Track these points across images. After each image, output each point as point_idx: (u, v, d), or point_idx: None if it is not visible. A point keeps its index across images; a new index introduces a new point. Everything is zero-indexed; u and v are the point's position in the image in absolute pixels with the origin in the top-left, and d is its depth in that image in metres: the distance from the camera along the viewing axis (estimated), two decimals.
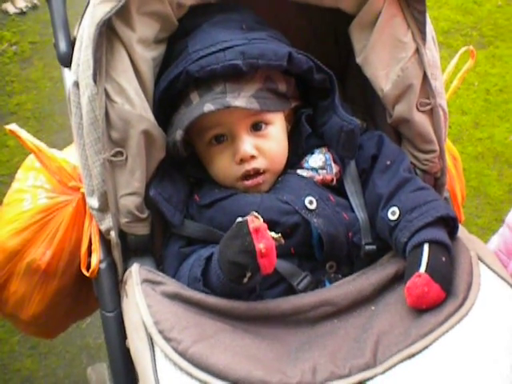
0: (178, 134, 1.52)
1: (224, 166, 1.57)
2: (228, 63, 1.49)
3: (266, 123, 1.57)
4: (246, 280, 1.38)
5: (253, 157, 1.55)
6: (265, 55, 1.51)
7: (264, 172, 1.57)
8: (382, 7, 1.61)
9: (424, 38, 1.62)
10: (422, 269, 1.37)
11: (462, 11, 4.18)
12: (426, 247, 1.41)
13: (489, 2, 4.25)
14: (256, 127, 1.57)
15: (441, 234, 1.44)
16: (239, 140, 1.55)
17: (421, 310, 1.37)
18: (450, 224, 1.48)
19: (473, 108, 3.59)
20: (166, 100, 1.57)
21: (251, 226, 1.35)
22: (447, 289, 1.38)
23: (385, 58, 1.62)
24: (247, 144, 1.54)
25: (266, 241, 1.34)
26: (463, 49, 1.84)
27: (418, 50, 1.62)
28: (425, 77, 1.62)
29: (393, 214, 1.50)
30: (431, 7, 4.11)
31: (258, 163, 1.56)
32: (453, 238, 1.47)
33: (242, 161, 1.55)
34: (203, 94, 1.51)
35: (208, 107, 1.49)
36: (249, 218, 1.37)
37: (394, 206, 1.51)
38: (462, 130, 3.48)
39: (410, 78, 1.61)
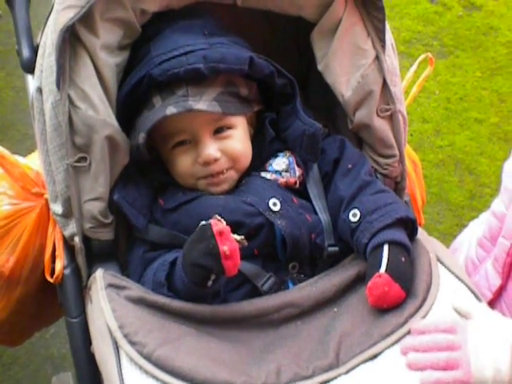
0: (141, 137, 1.53)
1: (186, 166, 1.58)
2: (190, 67, 1.50)
3: (229, 127, 1.59)
4: (210, 283, 1.40)
5: (216, 159, 1.56)
6: (226, 59, 1.53)
7: (228, 170, 1.59)
8: (342, 15, 1.64)
9: (383, 46, 1.65)
10: (383, 269, 1.40)
11: (424, 21, 4.24)
12: (385, 248, 1.43)
13: (449, 13, 4.31)
14: (219, 131, 1.58)
15: (400, 235, 1.47)
16: (203, 144, 1.56)
17: (382, 309, 1.39)
18: (409, 226, 1.51)
19: (434, 116, 3.65)
20: (130, 104, 1.57)
21: (215, 228, 1.36)
22: (407, 288, 1.40)
23: (345, 64, 1.65)
24: (211, 148, 1.56)
25: (229, 243, 1.36)
26: (422, 56, 1.88)
27: (377, 57, 1.65)
28: (384, 83, 1.65)
29: (354, 215, 1.52)
30: (393, 17, 4.16)
31: (222, 164, 1.58)
32: (412, 240, 1.50)
33: (206, 164, 1.56)
34: (166, 97, 1.53)
35: (170, 110, 1.50)
36: (212, 221, 1.38)
37: (355, 208, 1.53)
38: (424, 137, 3.53)
39: (370, 85, 1.64)
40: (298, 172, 1.63)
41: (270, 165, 1.64)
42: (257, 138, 1.66)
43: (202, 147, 1.56)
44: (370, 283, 1.39)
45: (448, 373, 1.26)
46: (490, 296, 1.71)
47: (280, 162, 1.64)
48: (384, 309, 1.39)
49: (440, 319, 1.36)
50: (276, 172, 1.62)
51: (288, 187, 1.62)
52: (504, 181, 1.72)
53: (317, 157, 1.64)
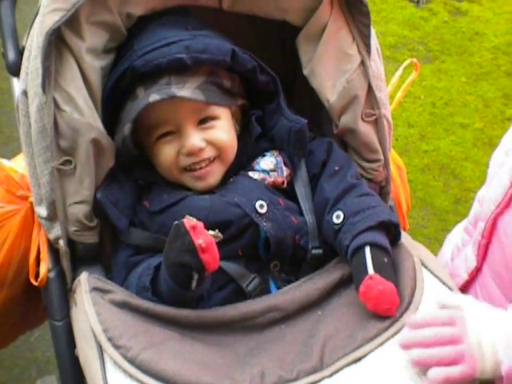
0: (127, 128, 1.53)
1: (171, 157, 1.58)
2: (172, 57, 1.51)
3: (213, 118, 1.59)
4: (194, 284, 1.39)
5: (201, 149, 1.57)
6: (208, 50, 1.53)
7: (214, 160, 1.59)
8: (328, 20, 1.65)
9: (369, 51, 1.66)
10: (371, 270, 1.40)
11: (409, 26, 4.27)
12: (367, 250, 1.44)
13: (435, 18, 4.34)
14: (202, 121, 1.58)
15: (381, 237, 1.47)
16: (187, 135, 1.56)
17: (382, 312, 1.38)
18: (391, 230, 1.52)
19: (419, 121, 3.67)
20: (113, 101, 1.57)
21: (187, 224, 1.36)
22: (397, 288, 1.40)
23: (331, 69, 1.66)
24: (195, 138, 1.56)
25: (204, 236, 1.36)
26: (407, 61, 1.89)
27: (363, 62, 1.66)
28: (369, 88, 1.66)
29: (337, 217, 1.53)
30: (379, 22, 4.19)
31: (207, 153, 1.58)
32: (395, 244, 1.51)
33: (190, 154, 1.57)
34: (149, 87, 1.53)
35: (153, 97, 1.50)
36: (185, 219, 1.38)
37: (339, 209, 1.54)
38: (409, 142, 3.55)
39: (355, 89, 1.65)
40: (286, 172, 1.64)
41: (258, 164, 1.64)
42: (243, 135, 1.66)
43: (185, 137, 1.56)
44: (362, 287, 1.39)
45: (455, 368, 1.26)
46: (466, 278, 1.73)
47: (268, 162, 1.64)
48: (384, 311, 1.38)
49: (436, 312, 1.36)
50: (264, 171, 1.63)
51: (275, 187, 1.62)
52: (490, 167, 1.75)
53: (305, 152, 1.65)
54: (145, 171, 1.63)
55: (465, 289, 1.72)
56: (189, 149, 1.56)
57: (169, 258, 1.40)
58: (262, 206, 1.55)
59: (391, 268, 1.44)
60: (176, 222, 1.38)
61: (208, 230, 1.39)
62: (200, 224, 1.37)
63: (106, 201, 1.53)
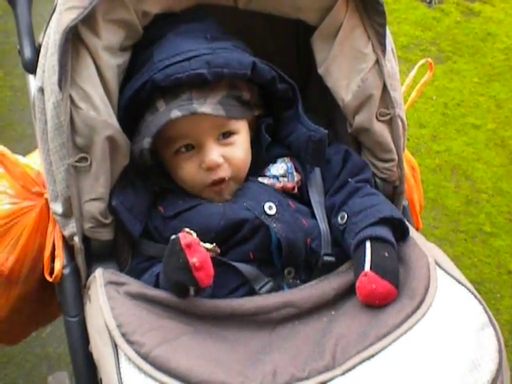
0: (146, 142, 1.53)
1: (192, 173, 1.58)
2: (193, 72, 1.51)
3: (233, 133, 1.59)
4: (192, 293, 1.41)
5: (218, 165, 1.57)
6: (229, 64, 1.53)
7: (228, 180, 1.60)
8: (343, 19, 1.65)
9: (384, 50, 1.66)
10: (367, 267, 1.41)
11: (421, 27, 4.26)
12: (367, 244, 1.45)
13: (447, 18, 4.33)
14: (223, 136, 1.59)
15: (382, 230, 1.48)
16: (206, 149, 1.57)
17: (377, 306, 1.40)
18: (397, 226, 1.52)
19: (431, 121, 3.66)
20: (132, 108, 1.57)
21: (183, 242, 1.36)
22: (396, 282, 1.42)
23: (346, 68, 1.66)
24: (214, 153, 1.56)
25: (198, 254, 1.35)
26: (422, 61, 1.89)
27: (377, 62, 1.65)
28: (384, 87, 1.66)
29: (342, 218, 1.55)
30: (391, 22, 4.15)
31: (224, 172, 1.58)
32: (404, 240, 1.53)
33: (209, 169, 1.57)
34: (169, 101, 1.53)
35: (175, 113, 1.50)
36: (181, 234, 1.38)
37: (343, 211, 1.56)
38: (420, 142, 3.55)
39: (370, 89, 1.65)
40: (297, 178, 1.65)
41: (269, 170, 1.65)
42: (254, 144, 1.66)
43: (205, 152, 1.57)
44: (357, 283, 1.42)
45: None
46: None
47: (278, 168, 1.65)
48: (377, 305, 1.41)
49: None
50: (274, 177, 1.64)
51: (285, 192, 1.63)
52: None
53: (323, 162, 1.65)
54: (160, 178, 1.64)
55: None
56: (208, 164, 1.56)
57: (165, 274, 1.42)
58: (270, 208, 1.55)
59: (393, 262, 1.45)
60: (173, 236, 1.39)
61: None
62: (195, 241, 1.37)
63: (121, 207, 1.54)
